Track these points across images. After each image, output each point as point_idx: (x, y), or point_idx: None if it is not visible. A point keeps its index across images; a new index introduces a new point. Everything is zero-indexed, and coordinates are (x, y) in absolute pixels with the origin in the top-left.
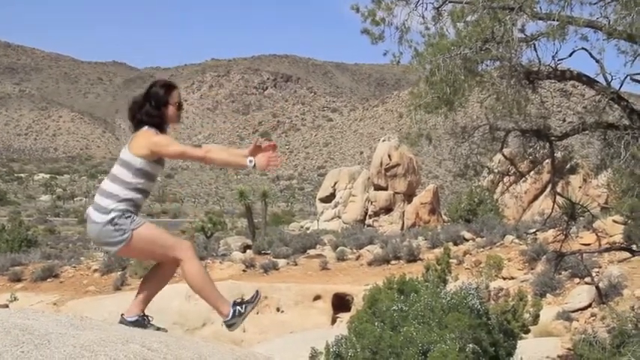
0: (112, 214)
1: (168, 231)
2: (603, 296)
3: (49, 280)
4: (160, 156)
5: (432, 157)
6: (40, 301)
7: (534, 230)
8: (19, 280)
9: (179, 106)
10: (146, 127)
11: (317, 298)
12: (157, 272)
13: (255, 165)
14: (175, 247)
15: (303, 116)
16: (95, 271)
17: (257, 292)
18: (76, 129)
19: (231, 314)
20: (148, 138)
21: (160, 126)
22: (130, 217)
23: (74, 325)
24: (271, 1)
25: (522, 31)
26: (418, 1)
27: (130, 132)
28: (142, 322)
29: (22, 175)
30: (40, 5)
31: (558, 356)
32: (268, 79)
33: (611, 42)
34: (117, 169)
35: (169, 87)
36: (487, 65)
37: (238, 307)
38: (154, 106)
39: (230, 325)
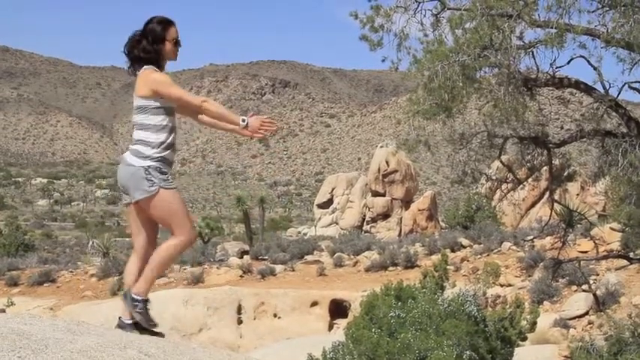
0: (149, 162)
1: (188, 213)
2: (600, 304)
3: (45, 284)
4: (160, 96)
5: (429, 163)
6: (36, 305)
7: (532, 237)
8: (15, 285)
9: (176, 43)
10: (145, 67)
11: (314, 304)
12: (137, 270)
13: (247, 125)
14: (181, 227)
15: (301, 122)
16: (92, 275)
17: (156, 332)
18: (73, 133)
19: (134, 298)
20: (148, 76)
21: (157, 62)
22: (164, 174)
23: (71, 330)
24: (270, 6)
25: (521, 38)
26: (417, 8)
27: (129, 73)
28: (140, 325)
29: (20, 179)
30: (39, 10)
31: None
32: (266, 84)
33: (609, 50)
34: (137, 117)
35: (167, 23)
36: (485, 72)
37: (140, 305)
38: (150, 42)
39: (125, 296)
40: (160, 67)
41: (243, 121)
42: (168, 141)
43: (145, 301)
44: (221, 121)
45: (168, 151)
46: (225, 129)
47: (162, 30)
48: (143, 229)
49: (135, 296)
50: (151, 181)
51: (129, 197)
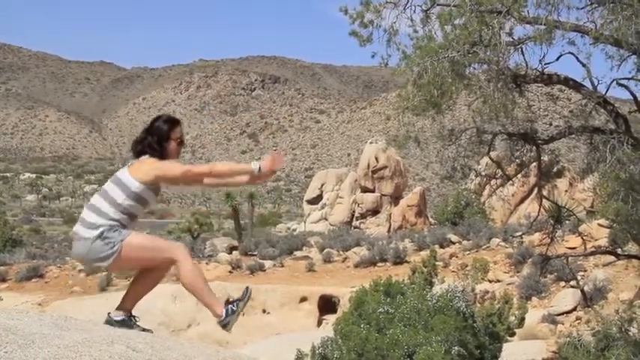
0: (101, 229)
1: (157, 235)
2: (588, 299)
3: (33, 280)
4: (164, 181)
5: (419, 159)
6: (24, 301)
7: (520, 233)
8: (3, 280)
9: (180, 142)
10: (148, 156)
11: (303, 299)
12: (147, 274)
13: (260, 168)
14: (168, 249)
15: (291, 118)
16: (80, 271)
17: (247, 288)
18: (62, 129)
19: (224, 314)
20: (151, 164)
21: (161, 159)
22: (117, 230)
23: (58, 326)
24: (260, 2)
25: (510, 34)
26: (406, 4)
27: (132, 159)
28: (129, 322)
29: (8, 174)
30: (27, 4)
31: (543, 359)
32: (256, 80)
33: (597, 46)
34: (110, 187)
35: (173, 122)
36: (474, 68)
37: (230, 306)
38: (156, 141)
39: (225, 325)
40: None
41: (255, 165)
42: (124, 220)
43: (233, 311)
44: (234, 176)
45: (125, 217)
46: (238, 184)
47: (169, 129)
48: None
49: (222, 316)
50: (111, 242)
51: (100, 265)
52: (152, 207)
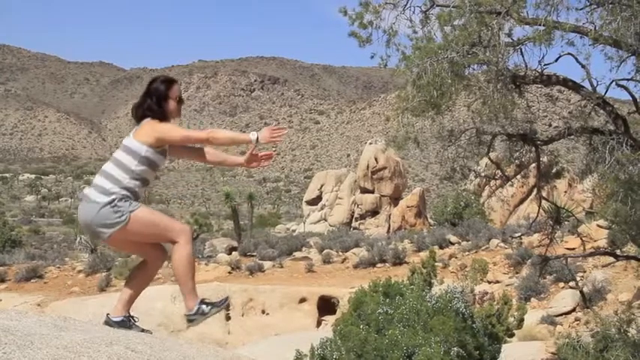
0: (113, 196)
1: (165, 214)
2: (587, 300)
3: (33, 280)
4: (164, 143)
5: (418, 160)
6: (24, 302)
7: (520, 234)
8: (2, 281)
9: (180, 101)
10: (149, 118)
11: (302, 300)
12: (141, 271)
13: (258, 139)
14: (173, 229)
15: (290, 118)
16: (80, 271)
17: (226, 298)
18: (61, 129)
19: (195, 310)
20: (152, 126)
21: (162, 120)
22: (128, 200)
23: (57, 326)
24: (259, 3)
25: (509, 35)
26: (406, 5)
27: (134, 126)
28: (127, 322)
29: (7, 175)
30: (27, 5)
31: None
32: (255, 80)
33: (597, 47)
34: (121, 155)
35: (169, 82)
36: (474, 69)
37: (203, 306)
38: (155, 102)
39: (190, 320)
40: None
41: (254, 135)
42: (137, 187)
43: (203, 312)
44: (233, 145)
45: (138, 183)
46: (234, 164)
47: (166, 89)
48: (140, 251)
49: (192, 311)
50: (120, 211)
51: (103, 232)
52: (161, 170)
